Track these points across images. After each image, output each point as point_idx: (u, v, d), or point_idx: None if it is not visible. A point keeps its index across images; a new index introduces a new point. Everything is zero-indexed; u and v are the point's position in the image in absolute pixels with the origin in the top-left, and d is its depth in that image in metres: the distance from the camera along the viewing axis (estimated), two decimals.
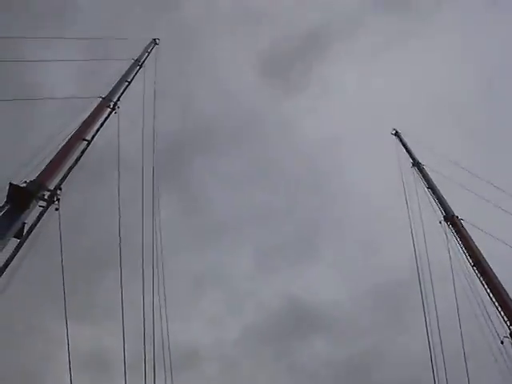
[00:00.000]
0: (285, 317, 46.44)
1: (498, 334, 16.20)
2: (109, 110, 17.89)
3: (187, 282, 43.69)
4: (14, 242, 11.53)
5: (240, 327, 46.25)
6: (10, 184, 12.18)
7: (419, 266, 20.87)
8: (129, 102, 19.88)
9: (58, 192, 13.19)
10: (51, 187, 13.11)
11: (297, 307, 47.04)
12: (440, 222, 21.56)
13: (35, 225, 12.22)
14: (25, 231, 11.98)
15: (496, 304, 16.83)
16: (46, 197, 12.84)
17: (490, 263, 18.77)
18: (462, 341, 17.86)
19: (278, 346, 46.38)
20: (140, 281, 15.40)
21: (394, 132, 28.81)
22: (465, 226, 20.85)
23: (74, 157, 14.80)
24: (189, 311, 41.73)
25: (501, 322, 16.38)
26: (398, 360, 40.45)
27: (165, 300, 16.37)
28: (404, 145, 27.51)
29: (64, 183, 13.59)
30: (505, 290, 17.21)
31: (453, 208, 22.35)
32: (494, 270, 18.37)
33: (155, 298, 15.61)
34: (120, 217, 16.17)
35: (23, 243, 11.71)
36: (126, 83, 20.20)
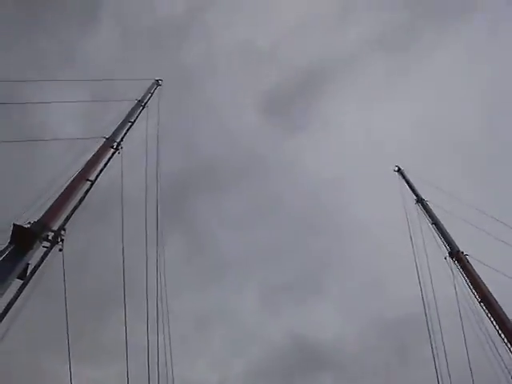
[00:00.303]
0: (289, 354, 46.35)
1: (508, 371, 15.95)
2: (112, 150, 17.90)
3: (192, 320, 43.50)
4: (18, 282, 11.50)
5: (244, 364, 46.11)
6: (14, 225, 12.17)
7: (425, 301, 20.70)
8: (132, 141, 19.98)
9: (62, 232, 13.16)
10: (55, 228, 13.08)
11: (301, 344, 47.05)
12: (445, 258, 21.47)
13: (39, 265, 12.17)
14: (28, 272, 11.94)
15: (505, 340, 16.62)
16: (49, 237, 12.82)
17: (496, 298, 18.61)
18: (473, 380, 17.58)
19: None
20: (144, 320, 15.23)
21: (396, 169, 28.91)
22: (470, 262, 20.74)
23: (78, 197, 14.77)
24: (193, 349, 41.33)
25: (511, 357, 16.15)
26: None
27: (169, 336, 16.17)
28: (407, 181, 27.57)
29: (68, 223, 13.58)
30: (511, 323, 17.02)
31: (458, 243, 22.27)
32: (501, 304, 18.20)
33: (160, 335, 15.41)
34: (124, 258, 16.03)
35: (27, 284, 11.66)
36: (130, 123, 20.23)
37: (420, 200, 25.55)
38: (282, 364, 45.78)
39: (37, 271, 12.04)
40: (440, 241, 22.47)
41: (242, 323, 47.73)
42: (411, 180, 27.73)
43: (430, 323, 20.04)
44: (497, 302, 18.23)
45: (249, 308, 48.95)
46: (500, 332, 16.93)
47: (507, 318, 17.39)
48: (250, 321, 48.28)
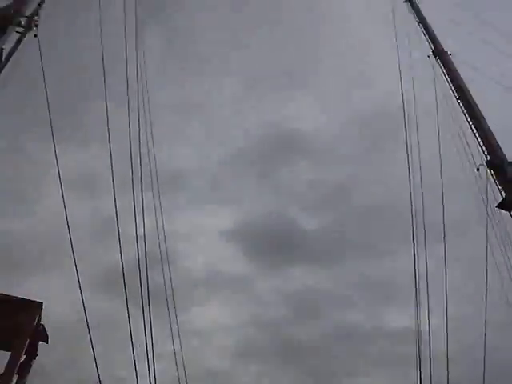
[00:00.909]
0: (269, 142, 47.60)
1: (475, 163, 16.59)
2: None
3: (171, 110, 43.34)
4: None
5: (225, 151, 48.19)
6: None
7: (404, 96, 20.78)
8: None
9: (36, 18, 12.92)
10: (28, 13, 12.82)
11: (281, 134, 48.08)
12: (428, 56, 21.31)
13: (14, 51, 12.10)
14: (4, 57, 11.90)
15: (475, 133, 17.10)
16: (23, 23, 12.62)
17: (477, 99, 18.77)
18: (441, 170, 18.39)
19: (262, 168, 48.78)
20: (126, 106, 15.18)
21: None
22: (453, 61, 20.64)
23: None
24: (174, 137, 41.84)
25: (479, 151, 16.71)
26: (377, 185, 42.59)
27: (149, 107, 16.24)
28: None
29: (41, 9, 13.21)
30: (485, 120, 17.39)
31: (444, 45, 21.91)
32: (480, 106, 18.44)
33: (141, 116, 15.47)
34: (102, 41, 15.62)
35: (2, 68, 11.68)
36: None
37: None
38: (260, 151, 47.61)
39: (12, 56, 11.99)
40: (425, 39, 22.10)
41: (222, 113, 48.55)
42: None
43: (406, 115, 20.30)
44: (472, 96, 18.45)
45: (229, 98, 49.19)
46: (471, 124, 17.39)
47: (480, 111, 17.75)
48: (230, 111, 49.15)
